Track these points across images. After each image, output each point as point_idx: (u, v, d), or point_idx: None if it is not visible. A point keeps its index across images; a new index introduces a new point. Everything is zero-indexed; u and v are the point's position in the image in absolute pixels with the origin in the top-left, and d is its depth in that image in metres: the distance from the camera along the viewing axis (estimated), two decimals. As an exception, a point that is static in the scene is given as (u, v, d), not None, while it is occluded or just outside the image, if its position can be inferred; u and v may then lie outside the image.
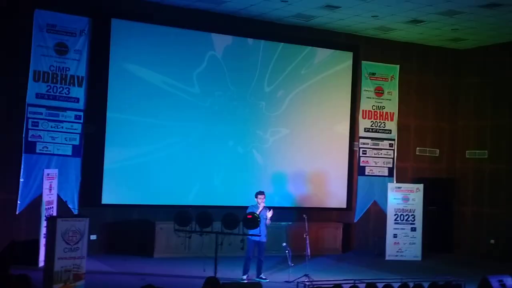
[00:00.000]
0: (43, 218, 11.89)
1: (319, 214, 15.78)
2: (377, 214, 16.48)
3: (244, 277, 11.76)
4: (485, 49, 17.14)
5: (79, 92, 13.49)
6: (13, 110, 13.09)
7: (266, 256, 12.19)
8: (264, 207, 12.01)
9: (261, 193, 12.12)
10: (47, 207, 12.20)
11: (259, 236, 11.68)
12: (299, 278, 11.33)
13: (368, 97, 16.68)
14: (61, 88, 13.34)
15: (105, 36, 13.78)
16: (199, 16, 14.72)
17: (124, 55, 13.98)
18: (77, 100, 13.49)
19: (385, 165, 16.76)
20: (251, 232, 11.57)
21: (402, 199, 15.52)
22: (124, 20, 13.97)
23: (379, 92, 16.77)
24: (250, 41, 15.35)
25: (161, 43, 14.37)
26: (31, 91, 13.03)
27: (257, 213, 11.60)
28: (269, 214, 11.95)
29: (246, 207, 12.01)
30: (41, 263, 11.56)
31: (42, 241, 11.76)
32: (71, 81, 13.44)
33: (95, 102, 13.76)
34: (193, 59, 14.70)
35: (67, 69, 13.39)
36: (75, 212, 12.91)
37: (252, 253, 11.92)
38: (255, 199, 12.07)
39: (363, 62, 16.60)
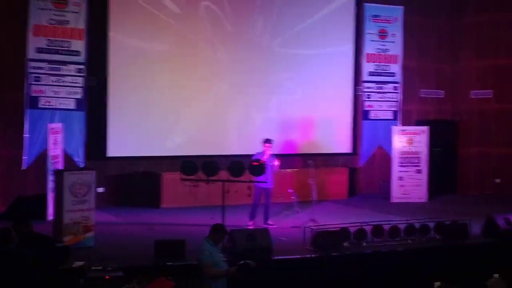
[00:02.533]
0: (50, 172, 11.97)
1: (325, 160, 15.84)
2: (383, 158, 16.49)
3: (250, 223, 11.87)
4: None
5: (79, 45, 13.38)
6: (14, 65, 13.01)
7: (272, 202, 12.28)
8: (271, 155, 12.04)
9: (268, 140, 12.13)
10: (53, 161, 12.25)
11: (266, 182, 11.74)
12: (305, 223, 11.42)
13: (372, 40, 16.45)
14: (61, 42, 13.24)
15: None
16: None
17: (124, 5, 13.84)
18: (78, 53, 13.37)
19: (389, 109, 16.66)
20: (257, 179, 11.62)
21: (407, 142, 15.51)
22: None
23: (382, 34, 16.53)
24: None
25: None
26: (31, 46, 12.91)
27: (262, 160, 11.61)
28: (276, 162, 11.99)
29: (252, 155, 12.04)
30: (50, 217, 11.67)
31: (50, 195, 11.87)
32: (71, 34, 13.31)
33: (96, 55, 13.67)
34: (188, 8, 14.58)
35: (67, 22, 13.23)
36: (81, 165, 12.98)
37: (258, 200, 12.02)
38: (262, 146, 12.09)
39: (366, 4, 16.33)
